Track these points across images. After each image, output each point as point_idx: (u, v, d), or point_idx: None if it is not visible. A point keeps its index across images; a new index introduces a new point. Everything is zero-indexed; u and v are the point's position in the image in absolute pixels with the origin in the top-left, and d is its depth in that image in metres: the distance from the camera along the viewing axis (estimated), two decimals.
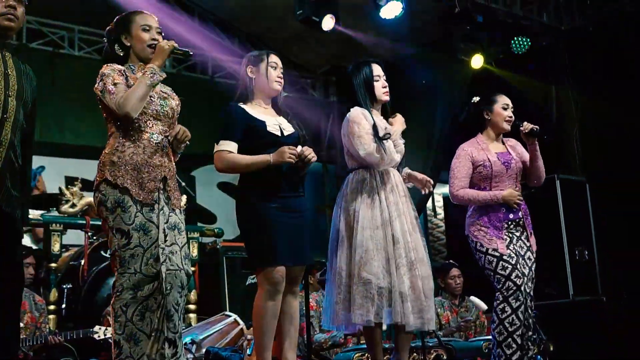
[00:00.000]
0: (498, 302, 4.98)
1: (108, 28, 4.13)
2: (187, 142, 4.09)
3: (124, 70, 3.95)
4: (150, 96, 3.95)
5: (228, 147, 4.32)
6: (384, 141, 4.59)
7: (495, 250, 4.98)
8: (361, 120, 4.67)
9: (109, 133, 3.97)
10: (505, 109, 5.25)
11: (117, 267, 3.79)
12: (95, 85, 3.89)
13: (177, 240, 3.95)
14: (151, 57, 4.00)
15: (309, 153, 4.33)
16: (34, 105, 3.91)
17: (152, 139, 3.94)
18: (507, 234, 5.05)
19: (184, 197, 5.27)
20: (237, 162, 4.33)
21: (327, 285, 4.78)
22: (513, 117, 5.24)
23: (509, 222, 5.10)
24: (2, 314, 3.62)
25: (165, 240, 3.86)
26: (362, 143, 4.63)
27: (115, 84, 3.83)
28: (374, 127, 4.64)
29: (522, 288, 4.94)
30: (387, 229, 4.57)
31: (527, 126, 5.14)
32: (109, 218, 3.81)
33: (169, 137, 4.03)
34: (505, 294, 4.95)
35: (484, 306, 6.60)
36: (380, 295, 4.48)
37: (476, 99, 5.39)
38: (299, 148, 4.35)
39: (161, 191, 3.93)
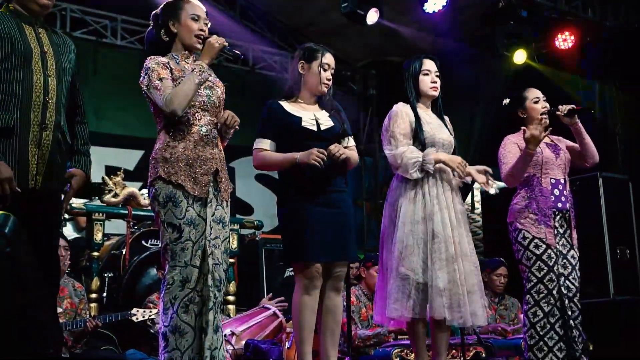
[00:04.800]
0: (529, 305, 4.95)
1: (155, 12, 4.11)
2: (237, 127, 4.08)
3: (168, 63, 3.94)
4: None
5: (262, 145, 4.38)
6: (410, 153, 4.57)
7: (537, 246, 4.94)
8: (398, 119, 4.67)
9: (158, 127, 3.98)
10: (536, 102, 5.19)
11: (168, 261, 3.82)
12: (140, 79, 3.90)
13: (220, 234, 3.97)
14: (197, 47, 4.02)
15: (337, 150, 4.31)
16: (75, 77, 3.93)
17: (201, 132, 3.95)
18: (554, 226, 5.00)
19: None
20: (270, 161, 4.39)
21: (377, 281, 4.79)
22: (548, 106, 5.19)
23: (557, 212, 5.05)
24: (42, 298, 3.61)
25: (210, 234, 3.90)
26: (391, 143, 4.65)
27: (161, 79, 3.84)
28: (417, 122, 4.63)
29: (554, 292, 4.91)
30: (428, 224, 4.54)
31: (564, 108, 5.10)
32: (161, 212, 3.84)
33: (218, 125, 4.03)
34: (536, 297, 4.93)
35: None
36: (418, 290, 4.47)
37: (506, 101, 5.35)
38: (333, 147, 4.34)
39: (211, 184, 3.95)
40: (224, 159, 4.09)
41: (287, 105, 4.45)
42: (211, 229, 3.91)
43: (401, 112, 4.69)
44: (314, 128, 4.41)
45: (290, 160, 4.29)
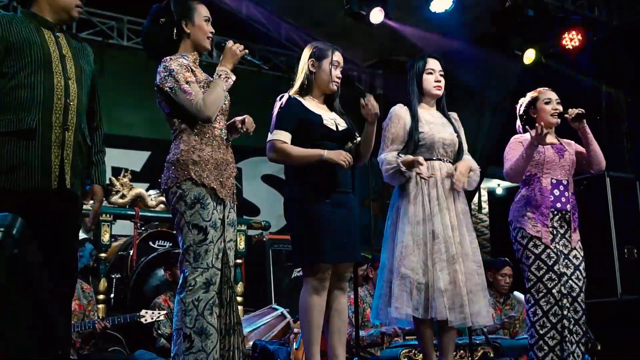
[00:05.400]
0: (530, 304, 4.96)
1: (159, 8, 4.06)
2: (251, 133, 4.13)
3: (189, 65, 3.92)
4: None
5: (282, 137, 4.30)
6: (388, 164, 4.57)
7: (536, 245, 4.93)
8: (390, 123, 4.68)
9: (177, 127, 3.94)
10: (547, 103, 5.19)
11: (190, 262, 3.82)
12: (160, 80, 3.86)
13: (232, 237, 4.02)
14: (208, 48, 4.07)
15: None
16: (94, 81, 3.95)
17: (222, 135, 3.98)
18: (552, 226, 5.00)
19: None
20: (291, 153, 4.30)
21: (377, 280, 4.79)
22: (559, 109, 5.17)
23: (555, 212, 5.04)
24: (58, 301, 3.61)
25: (226, 236, 3.93)
26: (381, 146, 4.67)
27: (188, 82, 3.82)
28: (415, 123, 4.63)
29: (554, 291, 4.90)
30: (428, 225, 4.54)
31: (572, 111, 5.08)
32: (187, 213, 3.83)
33: (243, 128, 4.07)
34: (536, 296, 4.93)
35: None
36: (419, 290, 4.46)
37: (522, 102, 5.35)
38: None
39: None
40: None
41: (305, 102, 4.44)
42: (225, 231, 3.95)
43: (395, 116, 4.69)
44: (334, 128, 4.42)
45: (315, 157, 4.26)
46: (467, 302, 4.47)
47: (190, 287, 3.79)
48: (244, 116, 4.12)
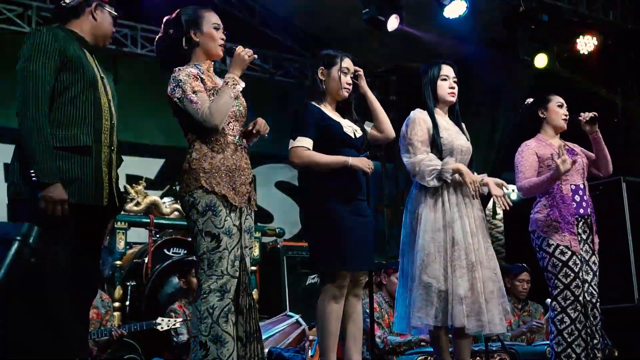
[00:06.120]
0: (556, 312, 4.94)
1: (170, 19, 4.07)
2: (266, 136, 4.11)
3: (198, 74, 3.92)
4: None
5: (305, 143, 4.29)
6: (429, 161, 4.55)
7: (563, 252, 4.91)
8: (416, 126, 4.65)
9: (190, 137, 3.95)
10: (560, 106, 5.21)
11: (204, 270, 3.81)
12: (169, 90, 3.87)
13: (249, 244, 4.02)
14: (220, 55, 4.06)
15: None
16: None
17: (235, 141, 3.97)
18: (577, 232, 4.99)
19: None
20: (315, 160, 4.30)
21: (397, 288, 4.77)
22: (568, 115, 5.19)
23: (579, 219, 5.03)
24: (77, 310, 3.64)
25: (241, 243, 3.92)
26: (409, 151, 4.63)
27: (195, 92, 3.81)
28: (435, 129, 4.62)
29: (580, 298, 4.88)
30: (448, 231, 4.53)
31: (586, 115, 5.10)
32: (199, 221, 3.83)
33: (255, 132, 4.06)
34: (562, 304, 4.90)
35: None
36: (440, 298, 4.45)
37: (529, 100, 5.35)
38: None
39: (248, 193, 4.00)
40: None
41: (324, 109, 4.44)
42: (243, 238, 3.94)
43: (418, 119, 4.67)
44: (352, 135, 4.42)
45: (340, 163, 4.27)
46: (485, 309, 4.45)
47: (204, 295, 3.78)
48: (256, 119, 4.11)
